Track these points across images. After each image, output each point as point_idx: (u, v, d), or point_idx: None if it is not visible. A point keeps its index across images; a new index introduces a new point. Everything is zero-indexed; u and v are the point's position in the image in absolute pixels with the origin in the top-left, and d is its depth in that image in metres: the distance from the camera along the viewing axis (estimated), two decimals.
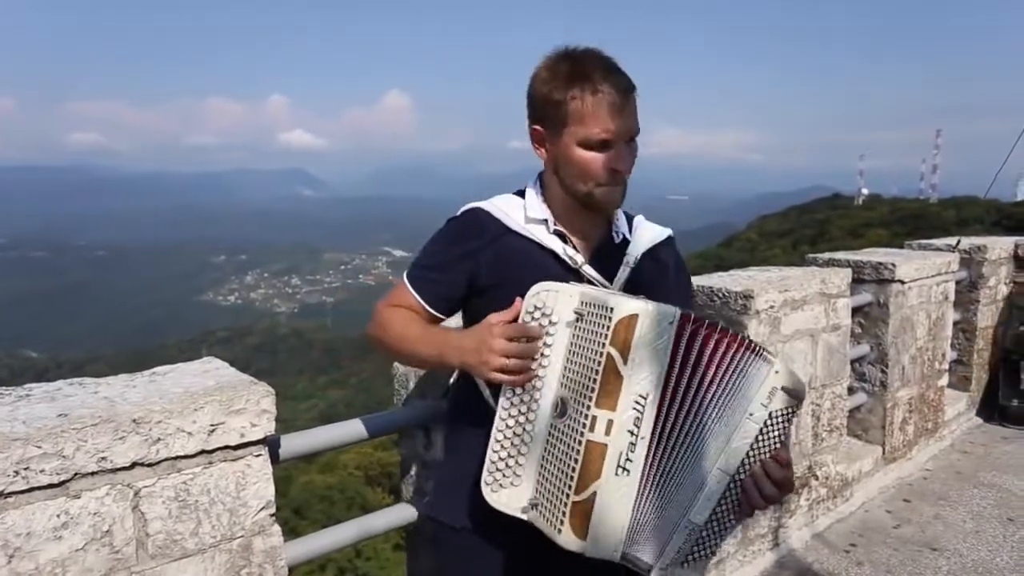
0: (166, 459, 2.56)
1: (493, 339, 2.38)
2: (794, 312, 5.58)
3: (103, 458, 2.42)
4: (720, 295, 5.30)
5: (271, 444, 2.94)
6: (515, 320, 2.43)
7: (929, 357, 7.46)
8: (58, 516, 2.37)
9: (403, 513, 3.85)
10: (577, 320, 2.34)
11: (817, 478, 6.03)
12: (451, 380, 2.97)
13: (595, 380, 2.25)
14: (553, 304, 2.38)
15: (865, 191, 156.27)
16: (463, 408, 2.75)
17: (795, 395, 2.38)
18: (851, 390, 6.80)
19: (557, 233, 2.68)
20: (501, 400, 2.43)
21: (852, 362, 6.77)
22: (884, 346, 6.89)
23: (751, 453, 2.35)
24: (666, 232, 2.94)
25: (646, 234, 2.86)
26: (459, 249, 2.70)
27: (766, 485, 2.35)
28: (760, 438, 2.36)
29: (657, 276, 2.81)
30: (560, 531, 2.27)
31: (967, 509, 6.42)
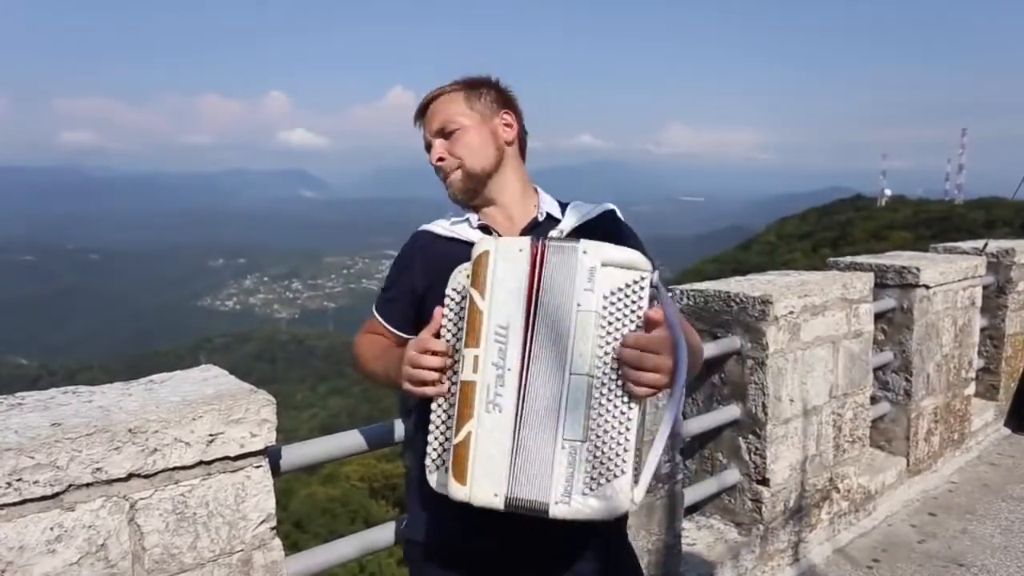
0: (163, 470, 2.56)
1: (411, 354, 2.47)
2: (815, 318, 5.58)
3: (98, 469, 2.42)
4: (738, 300, 5.31)
5: (272, 455, 2.95)
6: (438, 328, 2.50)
7: (955, 365, 7.46)
8: (51, 529, 2.36)
9: (408, 528, 3.86)
10: (470, 282, 2.40)
11: (839, 491, 6.03)
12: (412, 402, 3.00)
13: (463, 320, 2.35)
14: (465, 282, 2.44)
15: (888, 192, 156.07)
16: (422, 420, 2.72)
17: (626, 265, 2.32)
18: (874, 399, 6.79)
19: (481, 227, 2.84)
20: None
21: (875, 370, 6.78)
22: (908, 353, 6.89)
23: (601, 343, 2.28)
24: (603, 206, 3.00)
25: (578, 211, 2.94)
26: (399, 267, 2.98)
27: (626, 353, 2.24)
28: (605, 324, 2.29)
29: None
30: (447, 482, 2.30)
31: (995, 523, 6.41)
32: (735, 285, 5.56)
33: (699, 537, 5.44)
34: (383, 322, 2.97)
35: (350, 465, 44.44)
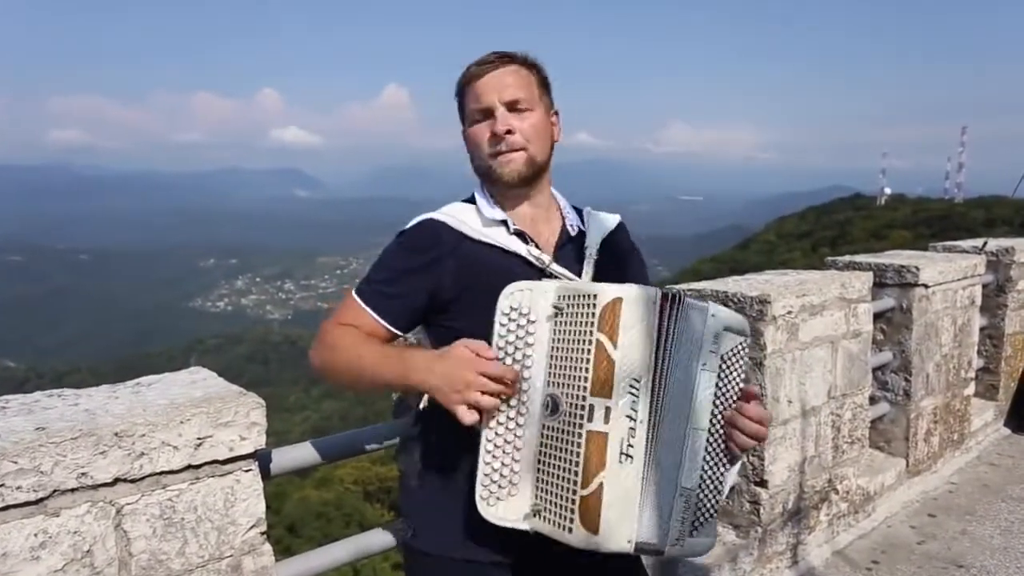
0: (150, 475, 2.55)
1: (470, 374, 2.37)
2: (813, 318, 5.57)
3: (83, 474, 2.41)
4: (735, 300, 5.30)
5: (262, 458, 2.93)
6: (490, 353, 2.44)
7: (955, 365, 7.46)
8: (35, 535, 2.35)
9: (403, 536, 3.85)
10: (557, 314, 2.39)
11: (838, 492, 6.03)
12: (421, 403, 2.97)
13: (587, 369, 2.29)
14: (529, 303, 2.43)
15: (888, 191, 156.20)
16: (441, 427, 2.67)
17: (740, 331, 2.56)
18: (873, 400, 6.79)
19: (517, 233, 2.75)
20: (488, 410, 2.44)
21: (874, 370, 6.78)
22: (907, 353, 6.89)
23: (717, 402, 2.51)
24: (616, 219, 3.04)
25: (599, 224, 2.94)
26: (416, 262, 2.74)
27: (746, 423, 2.54)
28: (721, 384, 2.51)
29: (616, 263, 2.89)
30: (571, 530, 2.29)
31: (995, 524, 6.41)
32: (733, 285, 5.56)
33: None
34: (373, 314, 2.74)
35: (344, 468, 44.47)
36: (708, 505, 2.49)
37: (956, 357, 7.46)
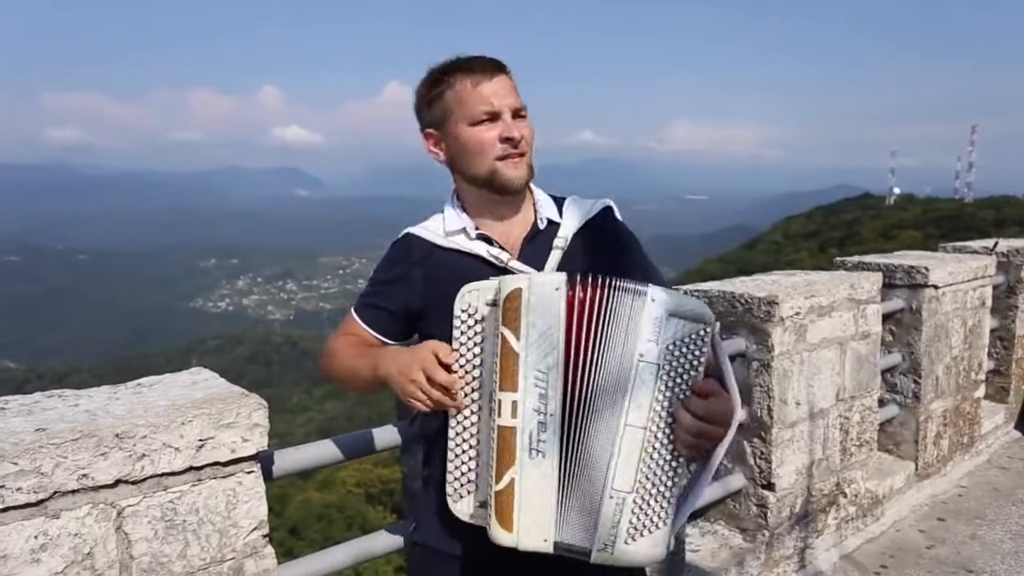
0: (151, 476, 2.55)
1: (418, 373, 2.45)
2: (821, 319, 5.57)
3: (84, 475, 2.42)
4: (742, 301, 5.30)
5: (264, 460, 2.95)
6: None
7: (965, 367, 7.45)
8: (36, 537, 2.36)
9: (405, 533, 3.85)
10: (491, 312, 2.41)
11: (846, 495, 6.02)
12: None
13: (496, 363, 2.33)
14: (477, 303, 2.45)
15: (897, 190, 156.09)
16: (436, 426, 2.76)
17: (692, 317, 2.34)
18: (882, 402, 6.78)
19: (480, 237, 2.77)
20: (450, 409, 2.49)
21: (883, 372, 6.76)
22: (917, 355, 6.88)
23: (660, 397, 2.34)
24: (601, 203, 3.00)
25: (577, 211, 2.92)
26: (392, 274, 2.89)
27: (684, 419, 2.33)
28: (666, 377, 2.34)
29: (601, 248, 2.87)
30: (490, 525, 2.33)
31: (1005, 529, 6.40)
32: (740, 285, 5.55)
33: (703, 543, 5.43)
34: (367, 328, 2.89)
35: (346, 470, 44.47)
36: (653, 511, 2.36)
37: (966, 359, 7.45)
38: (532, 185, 2.92)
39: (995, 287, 8.08)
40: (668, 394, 2.34)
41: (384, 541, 3.70)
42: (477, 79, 2.71)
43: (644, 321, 2.32)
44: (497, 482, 2.30)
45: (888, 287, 6.79)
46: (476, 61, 2.74)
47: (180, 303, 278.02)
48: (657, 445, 2.34)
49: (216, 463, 2.69)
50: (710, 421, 2.34)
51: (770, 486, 5.37)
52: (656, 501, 2.35)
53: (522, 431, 2.28)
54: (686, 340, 2.34)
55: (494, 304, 2.39)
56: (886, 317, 6.73)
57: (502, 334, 2.30)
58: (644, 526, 2.35)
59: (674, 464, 2.36)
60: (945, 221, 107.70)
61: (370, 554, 3.70)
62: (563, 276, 2.33)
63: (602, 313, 2.32)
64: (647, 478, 2.34)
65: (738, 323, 5.36)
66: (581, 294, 2.32)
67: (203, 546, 2.69)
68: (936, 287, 6.83)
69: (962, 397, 7.45)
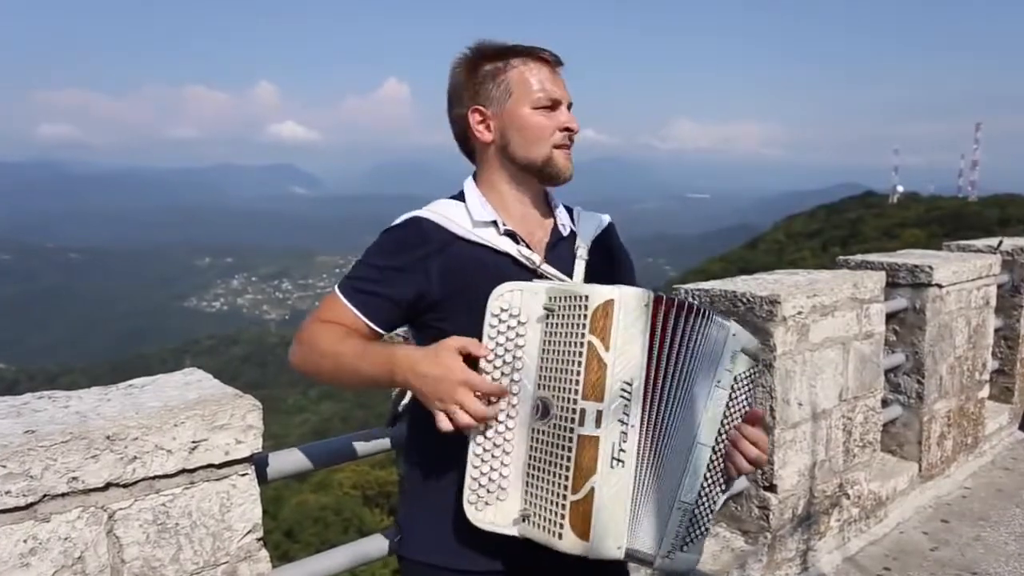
0: (143, 479, 2.54)
1: (458, 389, 2.36)
2: (824, 319, 5.57)
3: (74, 478, 2.40)
4: (744, 300, 5.29)
5: (258, 462, 2.93)
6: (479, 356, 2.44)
7: (969, 367, 7.45)
8: (25, 541, 2.34)
9: (393, 541, 3.85)
10: (548, 316, 2.39)
11: (849, 497, 6.02)
12: (401, 405, 2.98)
13: (578, 372, 2.29)
14: (520, 304, 2.43)
15: (900, 189, 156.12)
16: (428, 435, 2.62)
17: (754, 355, 2.60)
18: (885, 402, 6.78)
19: (508, 233, 2.74)
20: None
21: (886, 372, 6.76)
22: (920, 355, 6.88)
23: (724, 420, 2.51)
24: (606, 218, 3.07)
25: (590, 224, 2.97)
26: (402, 260, 2.71)
27: (748, 447, 2.54)
28: (730, 404, 2.53)
29: (607, 264, 2.92)
30: (561, 536, 2.29)
31: (1009, 530, 6.41)
32: (742, 285, 5.55)
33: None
34: (355, 311, 2.70)
35: (343, 472, 44.46)
36: (702, 522, 2.51)
37: (970, 359, 7.45)
38: (548, 189, 2.93)
39: (999, 286, 8.09)
40: (730, 418, 2.53)
41: (381, 544, 3.68)
42: (544, 65, 2.74)
43: (726, 352, 2.50)
44: (575, 492, 2.27)
45: (891, 286, 6.79)
46: (542, 49, 2.75)
47: (174, 302, 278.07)
48: (717, 463, 2.51)
49: (209, 465, 2.67)
50: (758, 447, 2.56)
51: (772, 488, 5.37)
52: (707, 512, 2.52)
53: (605, 441, 2.27)
54: (747, 373, 2.58)
55: (554, 309, 2.37)
56: (889, 317, 6.73)
57: (590, 342, 2.28)
58: (699, 535, 2.50)
59: (723, 480, 2.56)
60: (949, 220, 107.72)
61: (367, 557, 3.68)
62: (650, 293, 2.34)
63: (687, 336, 2.39)
64: (706, 492, 2.49)
65: (740, 323, 5.35)
66: (664, 310, 2.35)
67: (196, 550, 2.68)
68: (940, 286, 6.83)
69: (966, 397, 7.45)
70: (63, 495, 2.40)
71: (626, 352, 2.28)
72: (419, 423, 2.84)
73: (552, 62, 2.75)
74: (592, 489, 2.25)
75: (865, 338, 5.96)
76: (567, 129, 2.72)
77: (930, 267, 6.75)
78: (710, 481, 2.49)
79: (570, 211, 2.99)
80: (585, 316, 2.29)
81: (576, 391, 2.29)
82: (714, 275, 7.03)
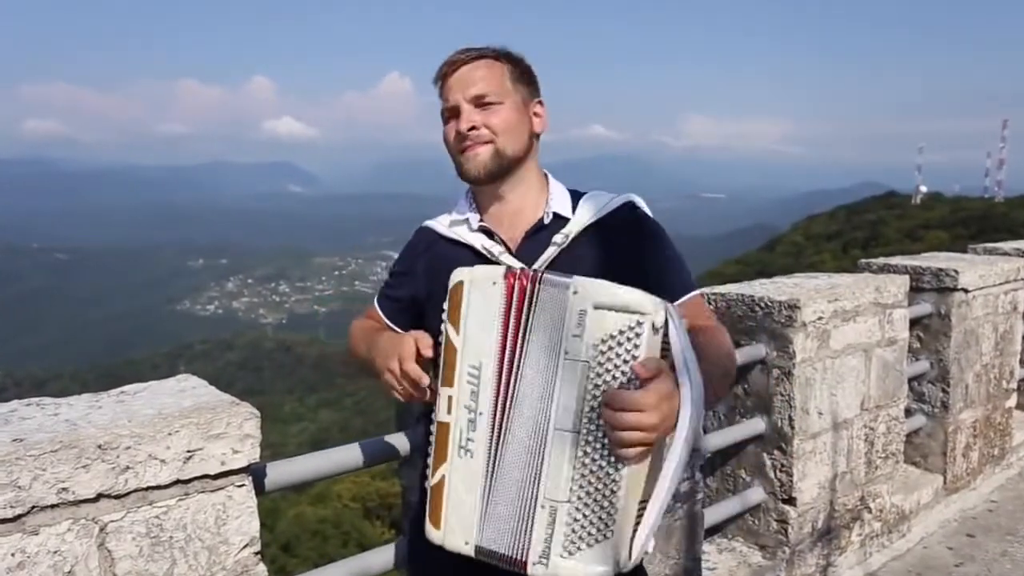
0: (136, 490, 2.55)
1: (392, 361, 2.49)
2: (845, 324, 5.57)
3: (64, 489, 2.41)
4: (762, 305, 5.29)
5: (255, 473, 2.94)
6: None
7: (996, 375, 7.44)
8: (13, 555, 2.35)
9: (405, 550, 3.84)
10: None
11: (871, 511, 6.02)
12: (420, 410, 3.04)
13: (440, 357, 2.39)
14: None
15: (924, 188, 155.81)
16: (423, 436, 2.75)
17: (621, 308, 2.20)
18: (908, 412, 6.76)
19: (481, 229, 2.84)
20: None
21: (910, 380, 6.75)
22: (946, 362, 6.88)
23: (588, 397, 2.21)
24: (621, 198, 2.95)
25: (592, 206, 2.89)
26: (405, 266, 3.05)
27: (610, 416, 2.14)
28: (593, 375, 2.21)
29: (615, 248, 2.82)
30: (425, 522, 2.40)
31: None
32: (759, 288, 5.55)
33: (720, 561, 5.43)
34: (382, 315, 3.05)
35: (342, 483, 44.43)
36: (595, 523, 2.24)
37: (997, 367, 7.44)
38: (551, 177, 2.95)
39: None
40: (599, 393, 2.20)
41: (382, 558, 3.69)
42: (444, 78, 2.82)
43: (569, 315, 2.25)
44: (432, 478, 2.37)
45: (915, 291, 6.78)
46: (449, 57, 2.83)
47: (166, 306, 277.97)
48: (589, 450, 2.22)
49: (205, 476, 2.68)
50: (628, 409, 2.13)
51: (791, 500, 5.36)
52: (594, 512, 2.24)
53: (454, 427, 2.34)
54: (615, 334, 2.20)
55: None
56: (913, 323, 6.71)
57: (446, 330, 2.37)
58: (581, 539, 2.25)
59: (611, 471, 2.21)
60: (974, 221, 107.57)
61: (367, 572, 3.69)
62: (502, 269, 2.37)
63: (534, 308, 2.32)
64: (582, 487, 2.23)
65: (758, 328, 5.36)
66: (519, 288, 2.34)
67: (191, 564, 2.68)
68: (966, 291, 6.82)
69: (993, 407, 7.44)
70: (52, 507, 2.40)
71: (476, 335, 2.34)
72: (425, 434, 2.88)
73: (459, 63, 2.81)
74: (443, 477, 2.34)
75: (888, 345, 5.96)
76: (458, 132, 2.77)
77: (955, 271, 6.75)
78: (586, 474, 2.22)
79: (578, 196, 2.95)
80: (447, 301, 2.39)
81: (439, 377, 2.39)
82: (730, 278, 7.03)
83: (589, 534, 2.24)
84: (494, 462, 2.32)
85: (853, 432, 5.75)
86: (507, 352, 2.33)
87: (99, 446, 2.45)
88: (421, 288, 2.89)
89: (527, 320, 2.32)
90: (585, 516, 2.24)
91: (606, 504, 2.23)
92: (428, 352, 2.49)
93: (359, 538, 38.78)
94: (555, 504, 2.25)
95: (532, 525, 2.28)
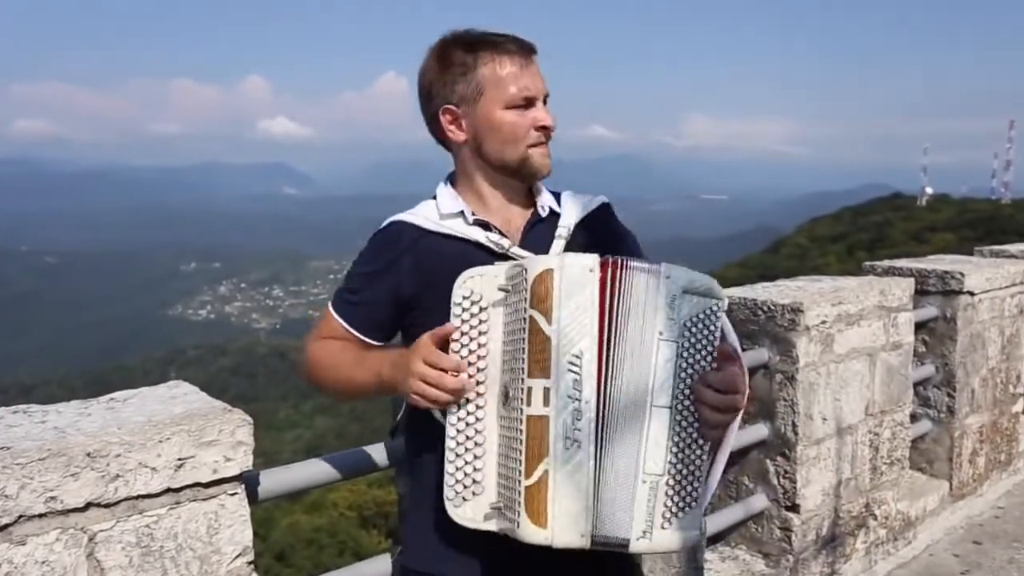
0: (126, 499, 2.54)
1: (418, 363, 2.43)
2: (849, 328, 5.57)
3: (52, 498, 2.41)
4: (765, 309, 5.30)
5: (248, 481, 2.94)
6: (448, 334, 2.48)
7: (1002, 379, 7.45)
8: (0, 565, 2.34)
9: (403, 561, 3.84)
10: (505, 297, 2.42)
11: (876, 518, 6.02)
12: (399, 415, 3.00)
13: (523, 349, 2.33)
14: (481, 289, 2.46)
15: (929, 190, 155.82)
16: (421, 439, 2.79)
17: (703, 292, 2.43)
18: (914, 417, 6.78)
19: (477, 223, 2.79)
20: (449, 408, 2.47)
21: (915, 385, 6.76)
22: (951, 367, 6.88)
23: (682, 375, 2.41)
24: (599, 199, 3.05)
25: (576, 204, 2.95)
26: (376, 264, 2.86)
27: (707, 395, 2.39)
28: (685, 355, 2.40)
29: (597, 245, 2.77)
30: (519, 524, 2.32)
31: None
32: (762, 292, 5.56)
33: (723, 569, 5.43)
34: (347, 326, 2.86)
35: (338, 491, 44.37)
36: (685, 493, 2.42)
37: (1004, 371, 7.45)
38: None
39: None
40: (689, 371, 2.40)
41: (379, 568, 3.68)
42: (515, 59, 2.73)
43: (662, 299, 2.37)
44: (528, 476, 2.30)
45: (920, 294, 6.78)
46: (512, 41, 2.75)
47: (157, 310, 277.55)
48: (684, 424, 2.40)
49: (196, 484, 2.68)
50: (728, 391, 2.40)
51: (795, 508, 5.37)
52: (688, 481, 2.41)
53: (555, 420, 2.29)
54: (701, 316, 2.42)
55: (509, 289, 2.41)
56: (918, 326, 6.72)
57: (531, 317, 2.31)
58: (680, 508, 2.40)
59: (700, 442, 2.42)
60: (981, 223, 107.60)
61: None
62: (596, 257, 2.35)
63: (624, 294, 2.35)
64: (677, 458, 2.39)
65: (760, 332, 5.36)
66: (611, 275, 2.34)
67: (182, 574, 2.68)
68: (972, 294, 6.83)
69: (999, 412, 7.45)
70: (40, 516, 2.40)
71: (572, 323, 2.30)
72: (417, 430, 2.89)
73: (525, 52, 2.76)
74: (546, 472, 2.28)
75: (893, 349, 5.96)
76: (542, 127, 2.75)
77: (961, 273, 6.75)
78: (680, 446, 2.41)
79: (558, 195, 3.00)
80: (526, 290, 2.32)
81: (523, 369, 2.32)
82: (732, 281, 7.06)
83: (681, 505, 2.40)
84: (602, 448, 2.33)
85: (857, 438, 5.75)
86: (606, 339, 2.33)
87: (88, 454, 2.45)
88: (406, 288, 2.79)
89: (619, 305, 2.35)
90: (678, 488, 2.40)
91: (696, 474, 2.43)
92: (447, 332, 2.45)
93: (355, 547, 38.71)
94: (655, 478, 2.37)
95: (634, 502, 2.35)
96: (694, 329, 2.41)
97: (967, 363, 6.93)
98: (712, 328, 2.43)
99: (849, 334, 5.57)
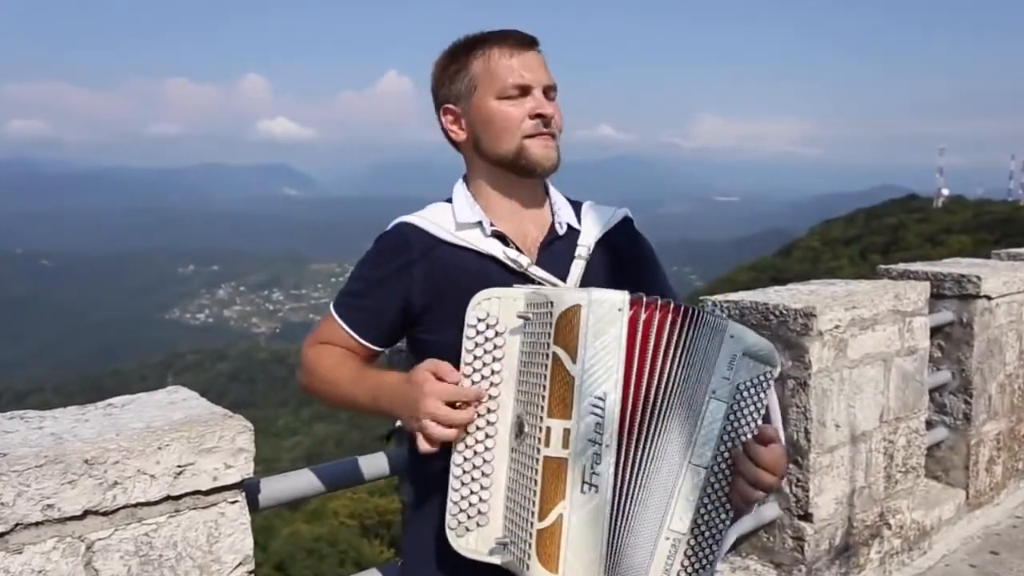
0: (124, 507, 2.54)
1: (427, 400, 2.37)
2: (863, 333, 5.56)
3: (49, 505, 2.41)
4: (777, 313, 5.29)
5: (249, 489, 2.94)
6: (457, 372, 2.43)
7: (1020, 385, 7.44)
8: None
9: (405, 571, 3.84)
10: (524, 325, 2.38)
11: (890, 527, 6.01)
12: (397, 422, 2.99)
13: (544, 387, 2.27)
14: (497, 312, 2.42)
15: (945, 192, 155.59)
16: (427, 456, 2.64)
17: (763, 358, 2.42)
18: (929, 424, 6.77)
19: (495, 235, 2.74)
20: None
21: (931, 391, 6.75)
22: (968, 372, 6.87)
23: (726, 437, 2.39)
24: (621, 212, 3.01)
25: (597, 219, 2.91)
26: (385, 270, 2.78)
27: (751, 470, 2.37)
28: (732, 418, 2.39)
29: (617, 264, 2.86)
30: (528, 567, 2.28)
31: None
32: (774, 296, 5.55)
33: None
34: (345, 327, 2.80)
35: (339, 500, 44.35)
36: (703, 555, 2.40)
37: (1021, 377, 7.44)
38: (549, 184, 2.93)
39: None
40: (733, 435, 2.39)
41: None
42: (508, 50, 2.71)
43: (722, 357, 2.36)
44: (541, 519, 2.25)
45: (936, 298, 6.77)
46: (508, 33, 2.75)
47: (155, 314, 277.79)
48: (717, 487, 2.39)
49: (196, 492, 2.68)
50: (768, 471, 2.37)
51: (807, 517, 5.36)
52: (708, 543, 2.40)
53: (574, 463, 2.24)
54: (755, 381, 2.41)
55: (529, 317, 2.36)
56: (934, 331, 6.71)
57: (554, 354, 2.25)
58: (695, 569, 2.38)
59: (728, 507, 2.41)
60: (998, 225, 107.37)
61: None
62: (626, 295, 2.30)
63: (673, 340, 2.33)
64: (703, 520, 2.38)
65: (772, 337, 5.34)
66: (646, 315, 2.31)
67: None
68: (989, 298, 6.82)
69: (1017, 418, 7.44)
70: (37, 524, 2.40)
71: (598, 364, 2.25)
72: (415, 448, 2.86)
73: (525, 43, 2.75)
74: (560, 516, 2.24)
75: (908, 354, 5.96)
76: (538, 115, 2.69)
77: (978, 277, 6.75)
78: (709, 508, 2.39)
79: (578, 206, 2.97)
80: (551, 325, 2.27)
81: (543, 407, 2.27)
82: (744, 285, 7.03)
83: (697, 566, 2.39)
84: (623, 496, 2.29)
85: (872, 445, 5.75)
86: (635, 382, 2.30)
87: (86, 461, 2.45)
88: (416, 298, 2.72)
89: (670, 353, 2.33)
90: (697, 548, 2.39)
91: (716, 537, 2.41)
92: (455, 378, 2.39)
93: (356, 557, 38.69)
94: (679, 536, 2.36)
95: (653, 556, 2.34)
96: (746, 393, 2.40)
97: (984, 369, 6.92)
98: (763, 395, 2.43)
99: (863, 339, 5.56)
